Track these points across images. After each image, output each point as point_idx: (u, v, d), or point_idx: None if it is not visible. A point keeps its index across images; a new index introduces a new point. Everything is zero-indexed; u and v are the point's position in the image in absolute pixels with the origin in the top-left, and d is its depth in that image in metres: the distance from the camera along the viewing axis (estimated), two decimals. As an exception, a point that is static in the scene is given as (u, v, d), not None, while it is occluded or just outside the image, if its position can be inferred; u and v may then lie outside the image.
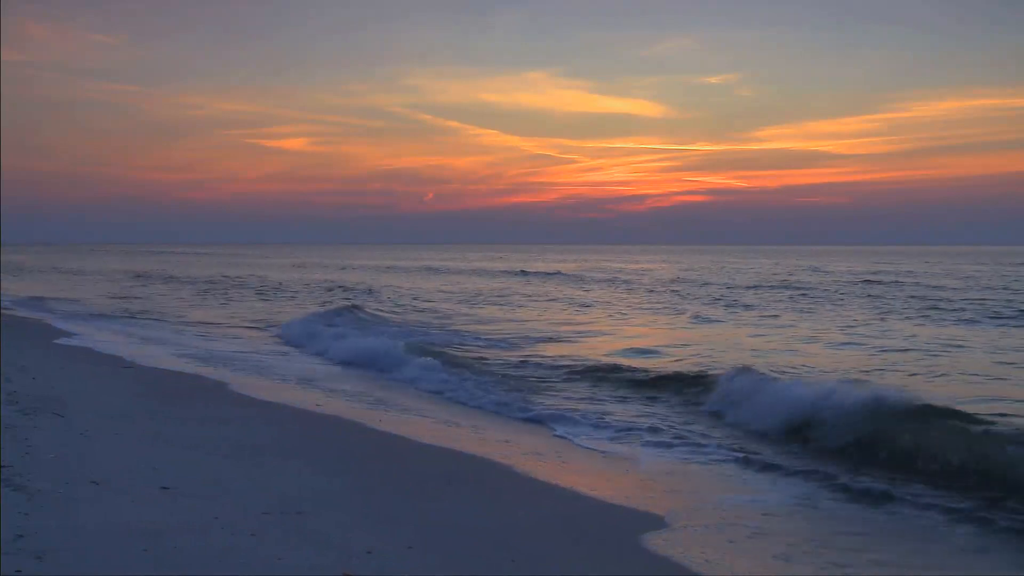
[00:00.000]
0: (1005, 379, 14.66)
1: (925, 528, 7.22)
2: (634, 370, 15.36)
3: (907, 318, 25.95)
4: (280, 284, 47.65)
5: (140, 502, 6.38)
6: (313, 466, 8.18)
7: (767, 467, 9.11)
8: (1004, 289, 39.09)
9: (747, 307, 30.96)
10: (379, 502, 7.17)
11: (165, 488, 6.81)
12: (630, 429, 10.95)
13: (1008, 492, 7.97)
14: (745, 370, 13.16)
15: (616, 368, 15.59)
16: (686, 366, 15.77)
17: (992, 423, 10.07)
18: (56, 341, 17.98)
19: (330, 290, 42.28)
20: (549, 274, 59.46)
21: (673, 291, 40.93)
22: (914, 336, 21.00)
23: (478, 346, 19.89)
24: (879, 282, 45.08)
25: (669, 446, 10.13)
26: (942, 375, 15.00)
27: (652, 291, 41.66)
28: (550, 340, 21.04)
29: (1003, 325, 23.55)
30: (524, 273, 61.10)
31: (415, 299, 36.74)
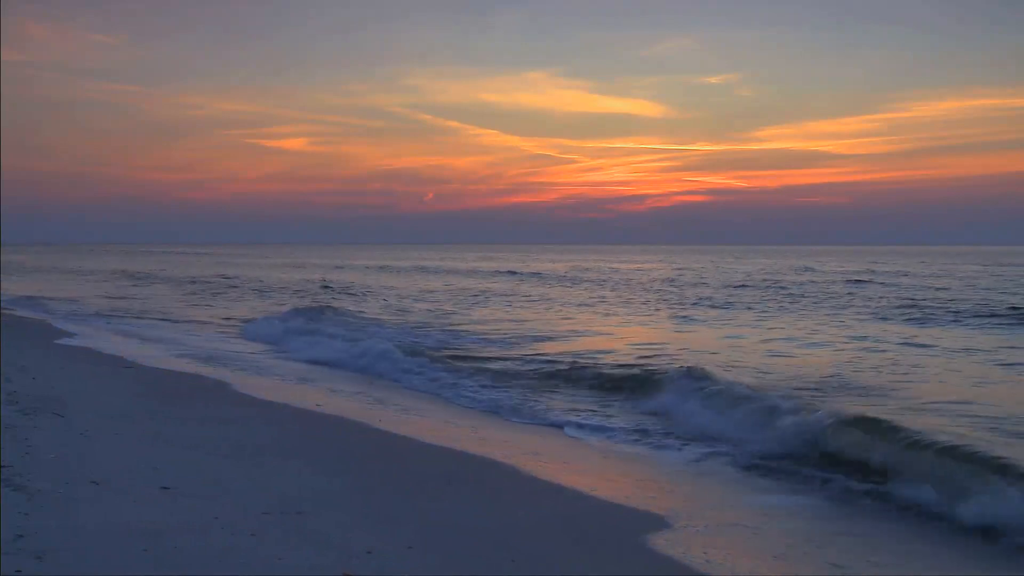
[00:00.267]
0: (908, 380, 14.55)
1: (924, 530, 7.22)
2: (602, 367, 15.59)
3: (883, 319, 25.95)
4: (262, 282, 47.75)
5: (140, 502, 6.38)
6: (313, 466, 8.18)
7: (755, 467, 9.11)
8: (987, 289, 39.16)
9: (721, 307, 31.11)
10: (379, 502, 7.17)
11: (165, 488, 6.81)
12: (631, 430, 11.01)
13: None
14: (688, 372, 13.38)
15: (582, 367, 15.70)
16: (663, 363, 15.82)
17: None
18: (57, 341, 17.98)
19: (298, 291, 41.75)
20: (540, 274, 59.38)
21: (657, 291, 40.96)
22: (865, 336, 21.19)
23: (449, 345, 19.94)
24: (869, 282, 45.21)
25: (660, 447, 10.19)
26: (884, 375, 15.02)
27: (633, 291, 41.80)
28: (536, 339, 21.06)
29: (966, 326, 23.53)
30: (513, 273, 61.09)
31: (402, 298, 36.82)
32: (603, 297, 37.49)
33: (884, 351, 18.32)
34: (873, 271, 59.19)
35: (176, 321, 25.67)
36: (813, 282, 46.72)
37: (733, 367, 15.61)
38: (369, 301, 35.29)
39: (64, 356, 15.46)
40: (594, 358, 17.12)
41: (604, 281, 50.67)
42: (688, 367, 13.87)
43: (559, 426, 11.35)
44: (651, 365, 15.65)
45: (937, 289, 39.06)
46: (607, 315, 29.09)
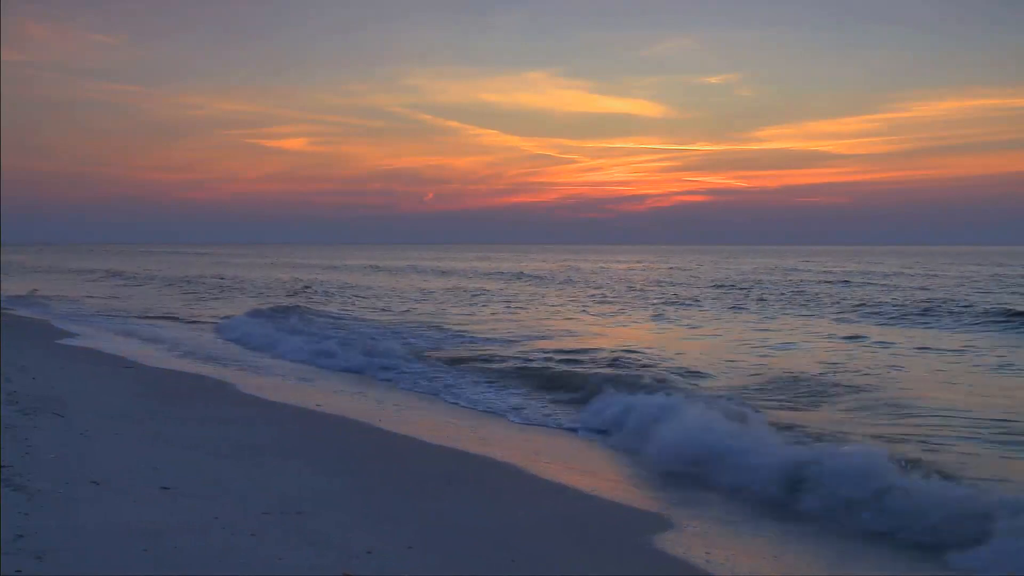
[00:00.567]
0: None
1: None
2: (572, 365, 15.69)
3: (843, 318, 26.08)
4: (252, 283, 47.77)
5: (140, 502, 6.38)
6: (313, 466, 8.18)
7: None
8: (959, 287, 39.54)
9: (694, 306, 31.28)
10: (379, 502, 7.17)
11: (165, 488, 6.81)
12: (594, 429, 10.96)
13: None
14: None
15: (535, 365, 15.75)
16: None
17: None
18: (58, 341, 17.98)
19: (267, 292, 41.24)
20: (536, 276, 59.22)
21: (637, 292, 40.95)
22: (826, 334, 21.56)
23: (432, 344, 19.82)
24: (848, 282, 45.35)
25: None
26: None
27: (609, 290, 41.83)
28: (528, 338, 21.04)
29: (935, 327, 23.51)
30: (503, 273, 61.03)
31: (378, 298, 36.82)
32: (575, 297, 37.48)
33: (833, 351, 18.40)
34: (867, 272, 59.24)
35: (153, 318, 26.06)
36: (801, 281, 47.08)
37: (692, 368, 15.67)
38: (336, 299, 35.46)
39: (64, 356, 15.47)
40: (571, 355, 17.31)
41: (584, 281, 50.55)
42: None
43: (555, 425, 11.33)
44: (580, 364, 15.74)
45: (917, 289, 39.23)
46: (583, 313, 29.34)
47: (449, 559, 5.85)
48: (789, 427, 10.17)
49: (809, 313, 27.85)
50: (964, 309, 27.28)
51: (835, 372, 14.89)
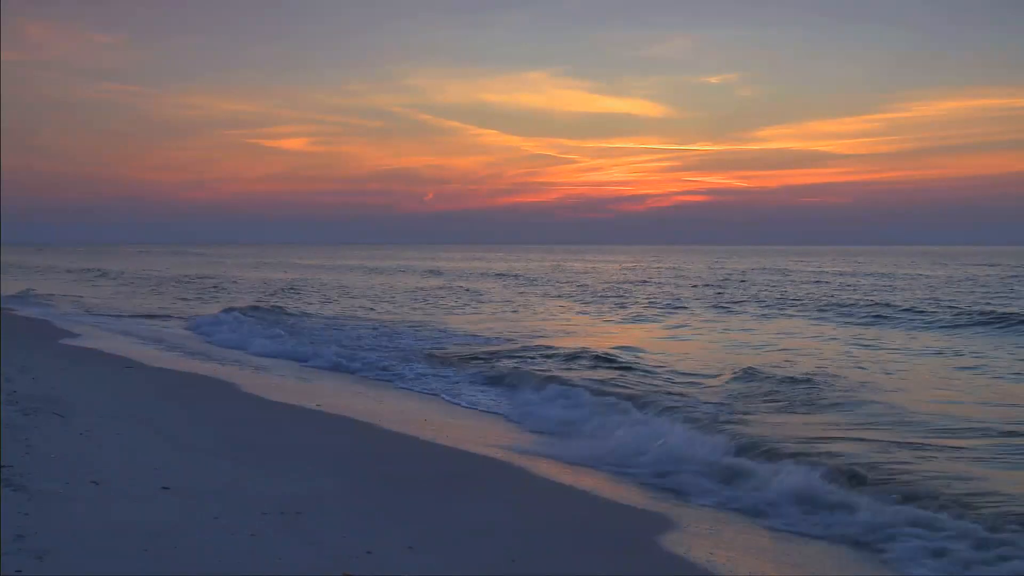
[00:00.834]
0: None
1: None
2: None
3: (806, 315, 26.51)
4: (243, 282, 47.79)
5: (140, 502, 6.38)
6: (313, 466, 8.18)
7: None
8: (929, 287, 39.86)
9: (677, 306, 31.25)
10: (379, 502, 7.17)
11: (165, 488, 6.82)
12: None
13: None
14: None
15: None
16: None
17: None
18: (60, 341, 17.98)
19: (251, 289, 41.42)
20: (528, 276, 59.10)
21: (616, 291, 40.95)
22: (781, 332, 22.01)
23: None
24: (827, 283, 45.53)
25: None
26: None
27: (589, 291, 41.81)
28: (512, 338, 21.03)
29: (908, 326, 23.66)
30: (499, 275, 60.91)
31: (354, 297, 36.82)
32: (555, 295, 37.56)
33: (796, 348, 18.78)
34: (858, 272, 59.32)
35: (134, 316, 26.29)
36: (779, 281, 47.36)
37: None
38: (318, 298, 35.46)
39: (64, 356, 15.46)
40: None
41: (569, 282, 50.46)
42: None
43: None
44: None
45: (903, 289, 39.40)
46: (565, 312, 29.53)
47: (449, 559, 5.84)
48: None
49: (781, 313, 27.94)
50: (947, 309, 27.34)
51: (783, 369, 14.98)
